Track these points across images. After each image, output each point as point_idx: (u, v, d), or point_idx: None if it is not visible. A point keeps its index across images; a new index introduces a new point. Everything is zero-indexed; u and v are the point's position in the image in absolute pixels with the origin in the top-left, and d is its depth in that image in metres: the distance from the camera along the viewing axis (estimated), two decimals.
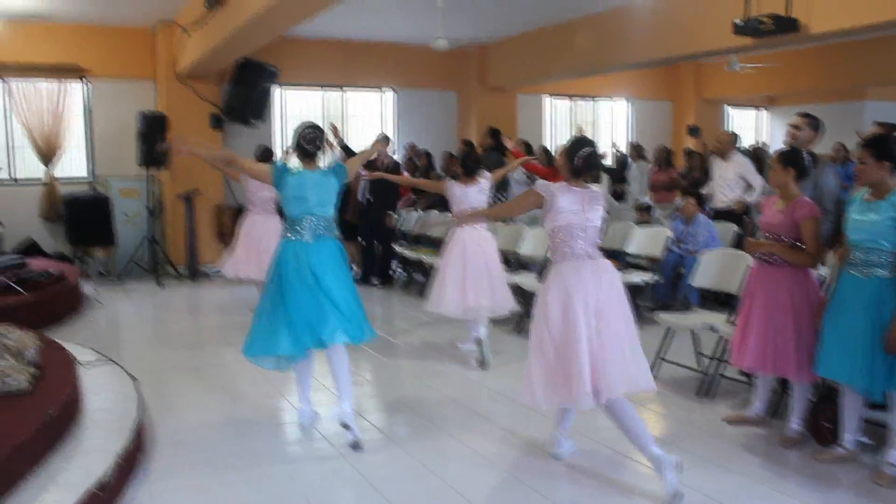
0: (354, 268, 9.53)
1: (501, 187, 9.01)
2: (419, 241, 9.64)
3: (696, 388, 5.17)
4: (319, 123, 4.57)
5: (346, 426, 4.24)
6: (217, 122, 10.74)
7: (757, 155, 10.59)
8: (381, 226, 9.39)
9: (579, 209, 3.73)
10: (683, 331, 5.42)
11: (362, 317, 4.39)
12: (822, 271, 4.56)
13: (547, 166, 9.17)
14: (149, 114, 9.97)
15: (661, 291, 7.38)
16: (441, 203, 9.67)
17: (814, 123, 5.09)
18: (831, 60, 12.74)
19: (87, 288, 8.91)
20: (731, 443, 4.31)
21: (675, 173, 10.62)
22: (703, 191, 8.81)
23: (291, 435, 4.65)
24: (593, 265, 3.73)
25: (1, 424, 3.60)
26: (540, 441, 4.30)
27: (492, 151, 9.83)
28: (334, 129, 9.11)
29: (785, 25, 6.96)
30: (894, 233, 3.71)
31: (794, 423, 4.27)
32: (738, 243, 6.99)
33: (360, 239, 9.68)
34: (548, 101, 14.21)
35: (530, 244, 7.35)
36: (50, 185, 10.40)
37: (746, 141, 14.60)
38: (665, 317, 5.43)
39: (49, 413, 3.77)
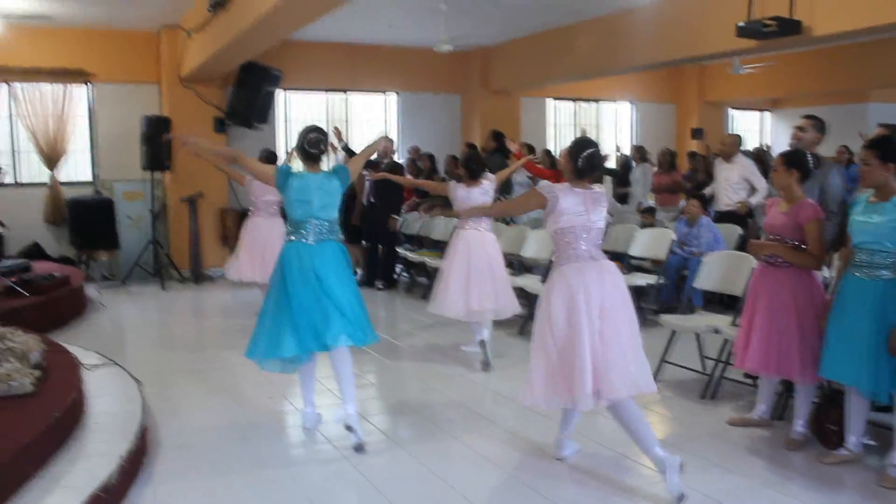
0: (359, 271, 9.54)
1: (504, 189, 9.01)
2: (423, 243, 9.65)
3: (700, 391, 5.16)
4: (323, 127, 4.58)
5: (349, 429, 4.24)
6: (221, 126, 10.76)
7: (760, 157, 10.57)
8: (384, 228, 9.39)
9: (583, 210, 3.73)
10: (687, 333, 5.42)
11: (365, 319, 4.39)
12: (827, 273, 4.55)
13: (549, 169, 9.17)
14: (153, 117, 9.99)
15: (664, 294, 7.38)
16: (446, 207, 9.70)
17: (819, 125, 5.08)
18: (834, 63, 12.73)
19: (91, 291, 8.93)
20: (736, 445, 4.31)
21: (679, 176, 10.62)
22: (706, 191, 8.81)
23: (295, 437, 4.65)
24: (597, 266, 3.73)
25: (6, 427, 3.61)
26: (544, 443, 4.29)
27: (495, 154, 9.84)
28: (337, 133, 9.13)
29: (788, 27, 6.95)
30: None
31: (799, 425, 4.26)
32: (742, 245, 6.98)
33: (363, 241, 9.69)
34: (551, 104, 14.21)
35: (534, 247, 7.35)
36: (54, 188, 10.43)
37: (750, 144, 14.59)
38: (669, 319, 5.42)
39: (53, 416, 3.77)
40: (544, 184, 3.90)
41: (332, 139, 8.23)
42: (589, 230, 3.74)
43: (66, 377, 4.51)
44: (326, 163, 4.63)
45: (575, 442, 4.16)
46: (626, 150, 13.77)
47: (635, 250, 7.17)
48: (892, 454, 3.77)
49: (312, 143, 4.42)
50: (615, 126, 15.17)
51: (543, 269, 6.96)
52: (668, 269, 7.13)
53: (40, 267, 8.52)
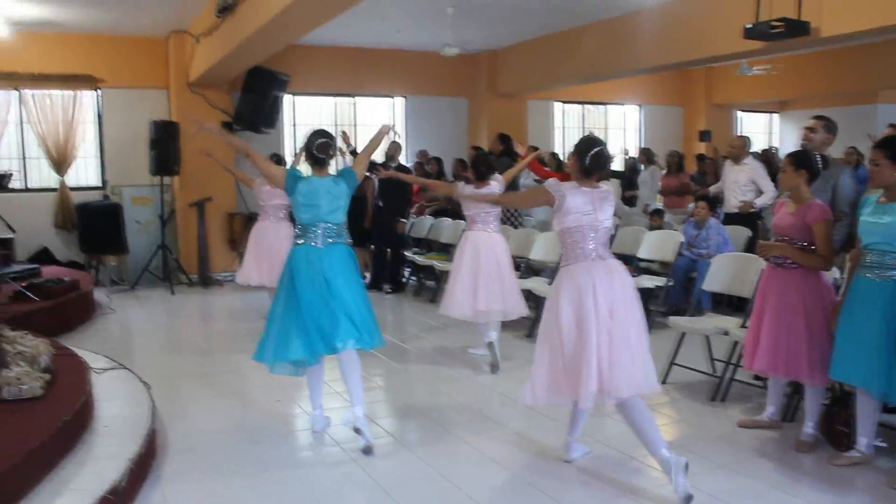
0: (367, 275, 9.55)
1: (511, 190, 8.98)
2: (430, 246, 9.65)
3: (709, 393, 5.14)
4: (330, 131, 4.59)
5: (357, 431, 4.24)
6: (229, 129, 10.79)
7: (768, 159, 10.54)
8: (391, 232, 9.39)
9: (591, 210, 3.72)
10: (696, 335, 5.40)
11: (373, 323, 4.39)
12: (837, 274, 4.53)
13: (556, 171, 9.16)
14: (161, 122, 10.03)
15: (673, 296, 7.35)
16: (451, 212, 9.70)
17: (829, 126, 5.06)
18: (843, 64, 12.68)
19: (100, 295, 8.96)
20: (745, 447, 4.29)
21: (686, 178, 10.59)
22: (711, 189, 8.79)
23: (303, 440, 4.66)
24: (605, 266, 3.73)
25: (15, 430, 3.63)
26: (551, 445, 4.29)
27: (502, 157, 9.83)
28: (345, 137, 9.14)
29: (796, 28, 6.92)
30: None
31: (809, 426, 4.24)
32: (751, 247, 6.96)
33: (371, 245, 9.69)
34: (558, 107, 14.21)
35: (541, 249, 7.34)
36: (63, 193, 10.48)
37: (757, 146, 14.55)
38: (677, 321, 5.40)
39: (62, 419, 3.79)
40: (551, 182, 3.90)
41: (340, 143, 8.24)
42: (596, 229, 3.73)
43: (75, 381, 4.52)
44: (334, 167, 4.63)
45: (583, 445, 4.15)
46: (634, 153, 13.75)
47: (643, 252, 7.16)
48: None
49: (321, 148, 4.42)
50: (623, 129, 15.16)
51: (551, 272, 6.95)
52: (676, 271, 7.11)
53: (49, 271, 8.56)
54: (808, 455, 4.15)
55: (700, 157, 12.85)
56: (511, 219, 8.66)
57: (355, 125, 12.38)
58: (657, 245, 7.06)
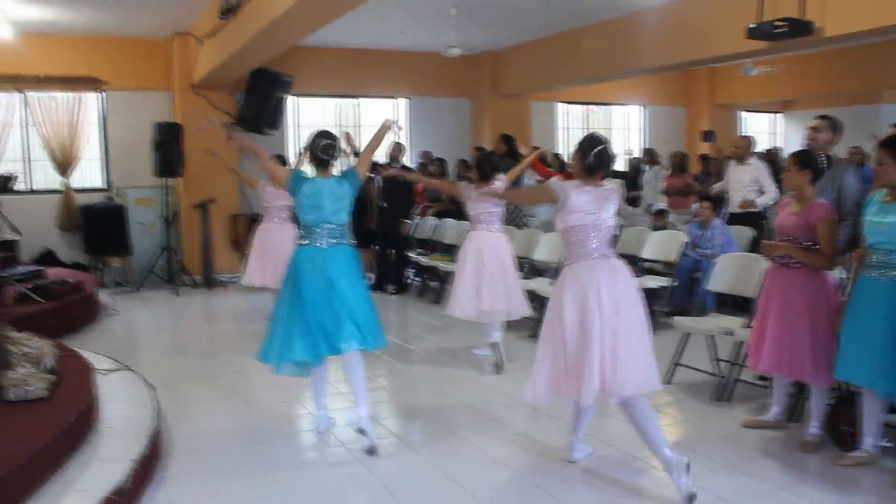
0: (372, 277, 9.54)
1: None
2: (434, 247, 9.65)
3: (714, 393, 5.13)
4: (334, 132, 4.59)
5: (361, 431, 4.24)
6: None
7: (771, 158, 10.53)
8: (395, 232, 9.40)
9: (594, 209, 3.72)
10: (700, 335, 5.39)
11: (376, 324, 4.39)
12: (840, 274, 4.52)
13: (558, 171, 9.14)
14: (164, 124, 10.04)
15: (677, 296, 7.34)
16: (455, 213, 9.70)
17: (833, 125, 5.05)
18: (846, 64, 12.65)
19: (104, 297, 8.98)
20: (749, 447, 4.28)
21: (690, 178, 10.58)
22: (714, 187, 8.79)
23: (307, 441, 4.66)
24: (608, 265, 3.72)
25: (20, 431, 3.64)
26: (555, 445, 4.28)
27: (504, 158, 9.83)
28: (348, 138, 9.14)
29: (799, 28, 6.90)
30: None
31: (813, 426, 4.23)
32: (755, 247, 6.95)
33: (374, 245, 9.70)
34: (561, 108, 14.20)
35: (545, 250, 7.34)
36: (67, 195, 10.50)
37: (761, 145, 14.53)
38: (681, 321, 5.40)
39: (67, 420, 3.79)
40: (554, 180, 3.90)
41: (344, 145, 8.24)
42: (599, 228, 3.73)
43: (80, 382, 4.54)
44: (337, 167, 4.64)
45: (587, 445, 4.15)
46: (637, 153, 13.73)
47: (647, 253, 7.15)
48: None
49: (324, 149, 4.43)
50: (626, 129, 15.14)
51: (554, 272, 6.94)
52: (680, 272, 7.11)
53: (53, 273, 8.57)
54: (812, 455, 4.15)
55: (703, 158, 12.83)
56: (514, 219, 8.66)
57: (359, 126, 12.38)
58: (661, 245, 7.06)
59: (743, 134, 13.11)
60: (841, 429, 4.13)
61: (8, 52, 9.54)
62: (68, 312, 7.43)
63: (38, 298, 7.19)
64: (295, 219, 4.82)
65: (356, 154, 8.90)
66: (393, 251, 9.60)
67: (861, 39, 8.42)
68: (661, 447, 3.60)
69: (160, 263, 10.18)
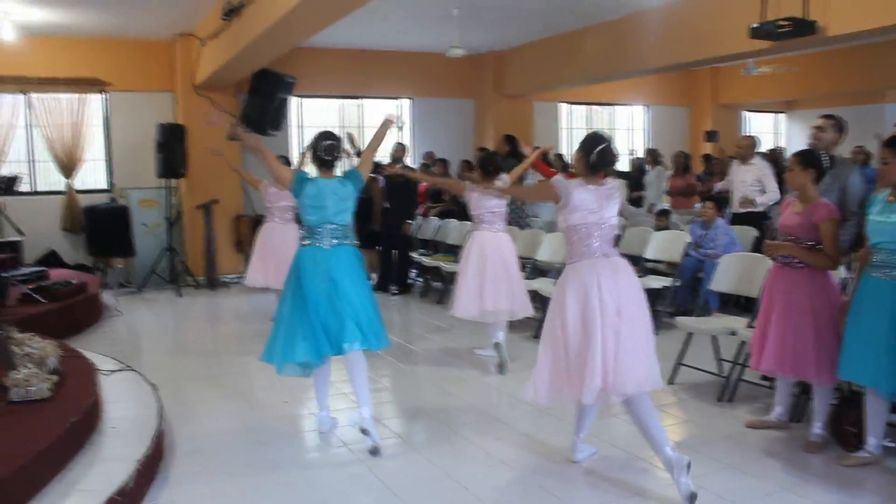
0: (373, 276, 9.55)
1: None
2: (437, 248, 9.65)
3: (717, 393, 5.12)
4: (337, 133, 4.59)
5: (364, 432, 4.24)
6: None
7: (774, 158, 10.51)
8: (398, 233, 9.40)
9: (596, 208, 3.72)
10: (703, 335, 5.38)
11: (379, 324, 4.39)
12: (844, 273, 4.51)
13: (561, 172, 9.14)
14: (167, 125, 10.06)
15: (680, 296, 7.34)
16: (458, 214, 9.70)
17: (838, 125, 5.04)
18: (850, 63, 12.64)
19: (107, 297, 8.99)
20: (753, 447, 4.27)
21: (693, 179, 10.57)
22: (717, 186, 8.77)
23: (310, 441, 4.66)
24: (610, 264, 3.72)
25: (24, 431, 3.64)
26: (558, 446, 4.28)
27: (507, 158, 9.82)
28: (351, 139, 9.16)
29: (802, 28, 6.90)
30: None
31: (817, 427, 4.22)
32: (758, 247, 6.94)
33: (377, 246, 9.70)
34: (564, 108, 14.20)
35: (548, 250, 7.34)
36: (70, 196, 10.52)
37: (764, 145, 14.51)
38: (684, 321, 5.39)
39: (70, 420, 3.80)
40: (558, 178, 3.91)
41: (346, 145, 8.26)
42: (601, 227, 3.73)
43: (83, 382, 4.54)
44: (340, 168, 4.64)
45: (590, 445, 4.14)
46: (640, 154, 13.73)
47: (650, 253, 7.15)
48: None
49: (327, 150, 4.43)
50: (629, 129, 15.14)
51: (557, 273, 6.94)
52: (683, 272, 7.10)
53: (57, 274, 8.60)
54: (816, 455, 4.14)
55: (706, 158, 12.82)
56: (518, 219, 8.66)
57: (361, 127, 12.39)
58: (664, 245, 7.05)
59: (746, 134, 13.09)
60: (844, 429, 4.12)
61: (12, 54, 9.58)
62: (72, 313, 7.44)
63: (42, 299, 7.21)
64: (298, 219, 4.82)
65: (358, 154, 8.94)
66: (396, 252, 9.60)
67: (864, 39, 8.41)
68: (663, 446, 3.59)
69: (163, 264, 10.19)
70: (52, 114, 10.40)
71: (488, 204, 5.97)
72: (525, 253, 7.37)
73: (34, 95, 10.30)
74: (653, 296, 6.21)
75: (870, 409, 3.91)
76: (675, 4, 9.12)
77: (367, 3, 6.07)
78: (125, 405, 4.62)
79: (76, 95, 10.45)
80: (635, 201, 11.59)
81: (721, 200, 8.15)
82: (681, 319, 5.45)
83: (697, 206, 9.22)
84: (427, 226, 9.91)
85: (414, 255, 9.61)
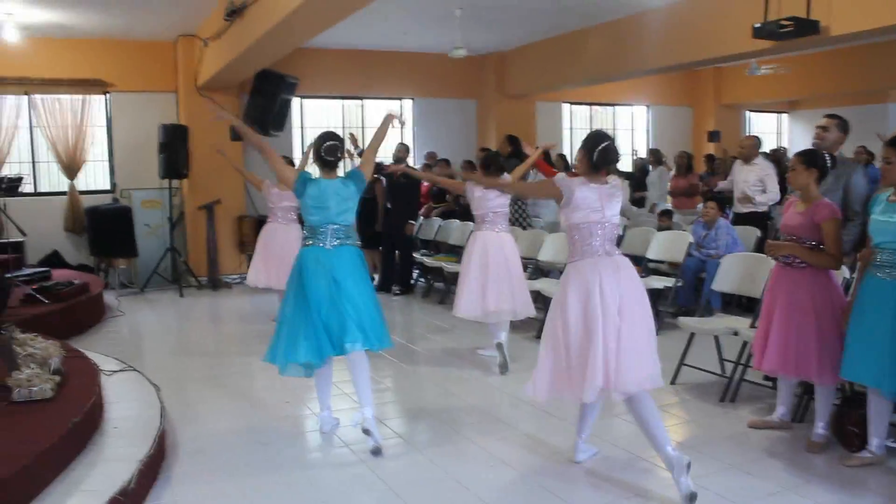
0: (376, 276, 9.55)
1: None
2: (439, 248, 9.65)
3: (719, 393, 5.11)
4: (339, 133, 4.59)
5: (366, 432, 4.24)
6: (236, 134, 10.80)
7: (777, 158, 10.50)
8: (400, 233, 9.40)
9: (598, 207, 3.72)
10: (706, 335, 5.38)
11: (381, 324, 4.39)
12: (846, 273, 4.50)
13: (563, 172, 9.14)
14: (170, 126, 10.07)
15: (682, 296, 7.33)
16: (460, 214, 9.70)
17: (841, 125, 5.03)
18: (853, 63, 12.62)
19: (110, 298, 9.00)
20: (755, 448, 4.27)
21: (696, 179, 10.56)
22: (720, 185, 8.76)
23: (312, 441, 4.66)
24: (612, 262, 3.72)
25: (26, 431, 3.65)
26: (560, 446, 4.28)
27: (510, 158, 9.82)
28: (353, 139, 9.16)
29: (805, 28, 6.88)
30: None
31: (820, 427, 4.21)
32: (760, 247, 6.93)
33: (380, 246, 9.70)
34: (566, 109, 14.19)
35: (550, 250, 7.33)
36: (73, 197, 10.53)
37: (767, 146, 14.49)
38: (687, 322, 5.38)
39: (73, 421, 3.80)
40: (560, 176, 3.91)
41: (349, 146, 8.26)
42: (603, 225, 3.73)
43: (86, 383, 4.54)
44: (342, 168, 4.64)
45: (591, 445, 4.14)
46: (643, 154, 13.72)
47: (652, 253, 7.14)
48: None
49: (329, 151, 4.44)
50: (631, 130, 15.13)
51: (559, 273, 6.93)
52: (685, 272, 7.09)
53: (59, 274, 8.61)
54: (818, 456, 4.13)
55: (709, 158, 12.80)
56: (520, 220, 8.66)
57: (363, 127, 12.39)
58: (666, 246, 7.05)
59: (749, 134, 13.08)
60: (847, 429, 4.11)
61: (14, 55, 9.60)
62: (74, 314, 7.45)
63: (44, 300, 7.21)
64: (301, 219, 4.82)
65: (360, 154, 8.94)
66: (398, 252, 9.60)
67: (867, 39, 8.40)
68: (664, 445, 3.59)
69: (165, 265, 10.20)
70: (54, 115, 10.41)
71: (491, 204, 5.97)
72: (527, 253, 7.37)
73: (37, 96, 10.32)
74: (655, 296, 6.22)
75: (872, 409, 3.90)
76: (678, 4, 9.11)
77: (369, 4, 6.08)
78: (127, 405, 4.62)
79: (79, 96, 10.46)
80: (638, 201, 11.58)
81: (723, 200, 8.14)
82: (683, 320, 5.44)
83: (700, 206, 9.21)
84: (429, 226, 9.91)
85: (416, 255, 9.61)
